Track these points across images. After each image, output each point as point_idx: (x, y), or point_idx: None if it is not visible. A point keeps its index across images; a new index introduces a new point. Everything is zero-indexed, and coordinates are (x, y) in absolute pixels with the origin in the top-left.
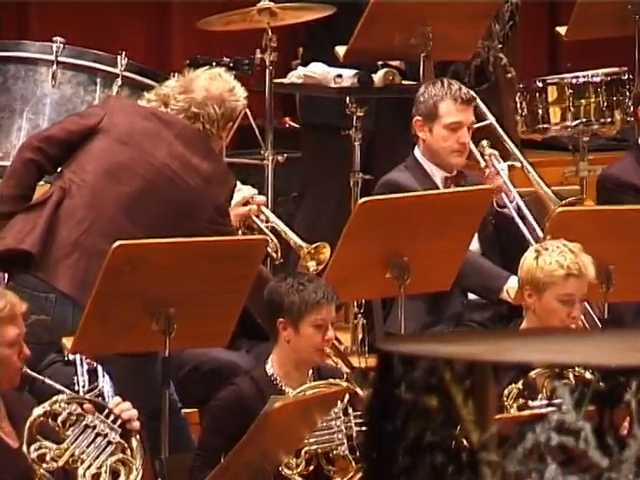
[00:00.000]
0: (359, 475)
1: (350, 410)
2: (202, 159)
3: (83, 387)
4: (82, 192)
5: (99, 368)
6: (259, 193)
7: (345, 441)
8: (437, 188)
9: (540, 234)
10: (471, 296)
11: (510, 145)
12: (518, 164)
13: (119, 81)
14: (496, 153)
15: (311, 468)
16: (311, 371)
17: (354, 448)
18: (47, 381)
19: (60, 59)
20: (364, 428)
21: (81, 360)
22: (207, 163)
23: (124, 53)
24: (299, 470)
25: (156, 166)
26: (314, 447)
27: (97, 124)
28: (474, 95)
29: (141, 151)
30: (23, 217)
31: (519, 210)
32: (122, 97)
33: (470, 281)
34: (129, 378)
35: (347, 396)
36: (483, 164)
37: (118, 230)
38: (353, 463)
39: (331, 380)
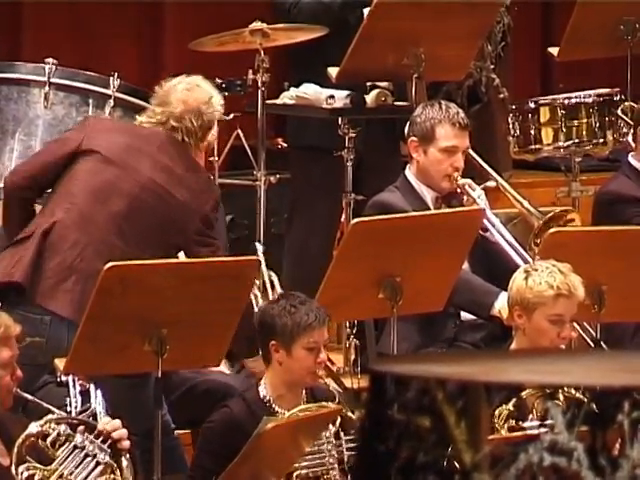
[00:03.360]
0: None
1: (342, 434)
2: (185, 170)
3: (75, 408)
4: (72, 215)
5: (92, 389)
6: (252, 214)
7: (336, 465)
8: (428, 208)
9: (525, 255)
10: (464, 317)
11: (482, 164)
12: (493, 184)
13: (111, 102)
14: (469, 181)
15: None
16: (304, 392)
17: (345, 472)
18: (38, 402)
19: (52, 80)
20: (356, 449)
21: (73, 381)
22: (190, 174)
23: (116, 74)
24: None
25: (142, 182)
26: (305, 471)
27: (77, 148)
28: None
29: (125, 168)
30: (11, 251)
31: (501, 233)
32: (100, 116)
33: (460, 297)
34: (122, 399)
35: (339, 420)
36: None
37: (111, 250)
38: None
39: (323, 403)
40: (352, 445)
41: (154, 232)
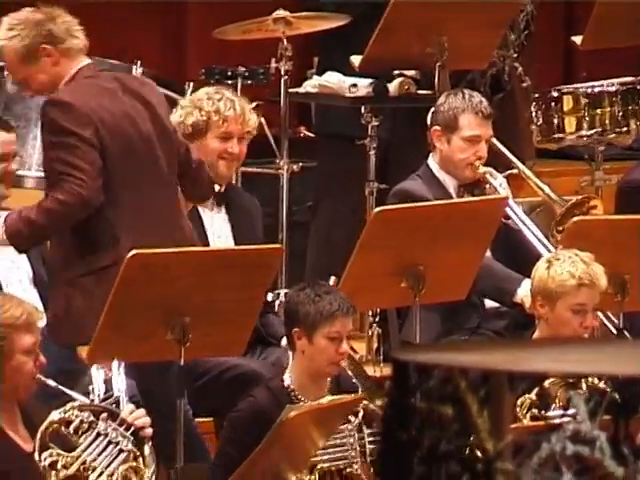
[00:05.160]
0: None
1: (364, 427)
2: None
3: (98, 396)
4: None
5: (115, 376)
6: (275, 203)
7: (359, 458)
8: (450, 197)
9: (547, 243)
10: (488, 304)
11: (504, 152)
12: (515, 171)
13: None
14: (491, 170)
15: None
16: (329, 380)
17: (368, 465)
18: (61, 388)
19: None
20: (379, 437)
21: (97, 369)
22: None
23: (139, 62)
24: None
25: (153, 141)
26: (328, 464)
27: (102, 152)
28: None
29: (139, 148)
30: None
31: (523, 221)
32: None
33: (483, 284)
34: (144, 385)
35: (362, 413)
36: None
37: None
38: None
39: (346, 396)
40: (375, 438)
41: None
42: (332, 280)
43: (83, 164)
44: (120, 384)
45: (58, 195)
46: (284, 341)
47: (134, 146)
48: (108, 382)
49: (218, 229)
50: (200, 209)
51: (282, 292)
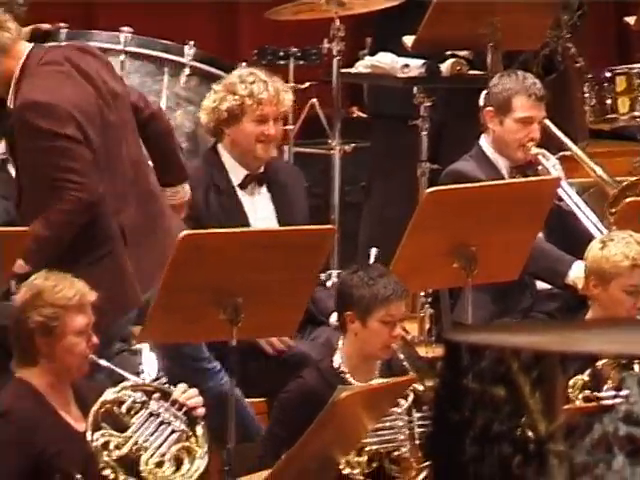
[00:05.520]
0: (422, 475)
1: (413, 410)
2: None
3: (149, 375)
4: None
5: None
6: (327, 183)
7: (408, 441)
8: (502, 178)
9: (600, 225)
10: (539, 286)
11: (557, 133)
12: (568, 153)
13: (187, 70)
14: (543, 151)
15: (374, 466)
16: (379, 363)
17: (417, 448)
18: (114, 368)
19: (128, 49)
20: (431, 418)
21: (148, 349)
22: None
23: (192, 43)
24: (361, 469)
25: (117, 120)
26: (377, 446)
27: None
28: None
29: (108, 130)
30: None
31: (576, 202)
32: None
33: (535, 265)
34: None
35: (411, 396)
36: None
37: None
38: (416, 464)
39: (398, 379)
40: (424, 422)
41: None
42: (373, 252)
43: (76, 165)
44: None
45: (60, 206)
46: (333, 317)
47: (104, 130)
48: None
49: (261, 211)
50: (240, 193)
51: (334, 273)
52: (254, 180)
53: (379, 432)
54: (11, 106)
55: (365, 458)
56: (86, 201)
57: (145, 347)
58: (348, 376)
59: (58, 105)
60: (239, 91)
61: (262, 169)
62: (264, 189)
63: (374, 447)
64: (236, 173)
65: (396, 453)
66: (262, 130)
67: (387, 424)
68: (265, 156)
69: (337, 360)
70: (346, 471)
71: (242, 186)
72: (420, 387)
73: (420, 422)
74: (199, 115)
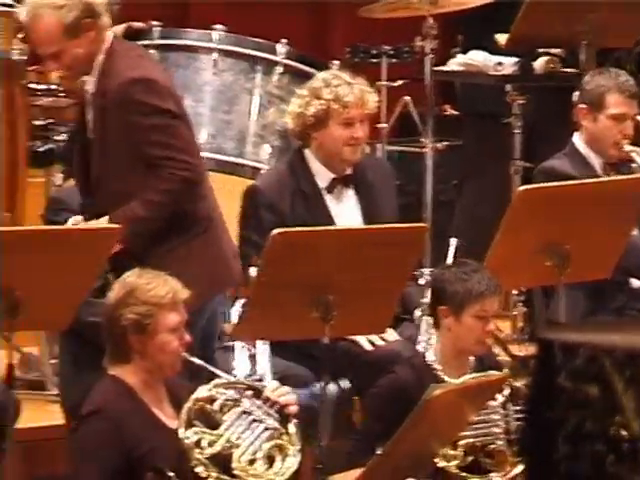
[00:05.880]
0: (517, 470)
1: (509, 404)
2: None
3: (242, 373)
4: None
5: (258, 354)
6: (420, 181)
7: (503, 435)
8: (596, 175)
9: None
10: (634, 284)
11: None
12: None
13: (279, 69)
14: (638, 149)
15: (469, 460)
16: (473, 359)
17: (512, 442)
18: (206, 366)
19: (220, 47)
20: (524, 416)
21: (241, 346)
22: None
23: (285, 41)
24: (456, 462)
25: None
26: (472, 440)
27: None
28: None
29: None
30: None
31: None
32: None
33: (629, 262)
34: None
35: (507, 389)
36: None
37: None
38: (511, 457)
39: (490, 372)
40: (519, 415)
41: None
42: (453, 242)
43: (181, 143)
44: (263, 361)
45: (161, 185)
46: (417, 313)
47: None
48: (251, 359)
49: (348, 214)
50: (326, 197)
51: (426, 271)
52: (341, 183)
53: (474, 425)
54: (91, 90)
55: (460, 451)
56: (189, 180)
57: (237, 344)
58: (440, 372)
59: (158, 81)
60: (324, 95)
61: (349, 170)
62: (351, 191)
63: (469, 440)
64: (322, 177)
65: (491, 446)
66: (350, 133)
67: (482, 417)
68: (353, 159)
69: (430, 356)
70: (441, 464)
71: (329, 190)
72: (516, 382)
73: (515, 415)
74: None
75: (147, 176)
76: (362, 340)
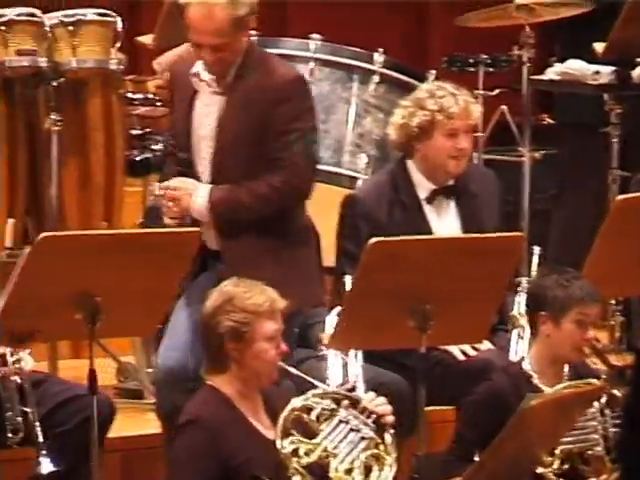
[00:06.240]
0: (614, 476)
1: (607, 411)
2: None
3: (337, 382)
4: None
5: (352, 363)
6: (517, 190)
7: (601, 442)
8: None
9: None
10: None
11: None
12: None
13: (376, 78)
14: None
15: (565, 467)
16: (567, 368)
17: (610, 449)
18: (302, 376)
19: (317, 56)
20: (622, 426)
21: (335, 356)
22: None
23: (381, 50)
24: (553, 468)
25: None
26: (569, 446)
27: None
28: None
29: None
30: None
31: None
32: None
33: None
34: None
35: (604, 396)
36: None
37: None
38: (608, 464)
39: (587, 380)
40: (617, 422)
41: None
42: (537, 250)
43: (307, 151)
44: (357, 371)
45: (274, 183)
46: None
47: None
48: (344, 368)
49: (447, 225)
50: (426, 208)
51: (524, 280)
52: (441, 194)
53: (572, 432)
54: (217, 89)
55: (558, 458)
56: (302, 192)
57: (331, 353)
58: (536, 380)
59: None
60: (429, 106)
61: (451, 181)
62: (452, 202)
63: (567, 447)
64: (423, 188)
65: (589, 453)
66: (454, 145)
67: (580, 424)
68: (457, 171)
69: (526, 364)
70: (539, 470)
71: (428, 200)
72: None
73: (613, 422)
74: (388, 122)
75: (264, 170)
76: (455, 350)
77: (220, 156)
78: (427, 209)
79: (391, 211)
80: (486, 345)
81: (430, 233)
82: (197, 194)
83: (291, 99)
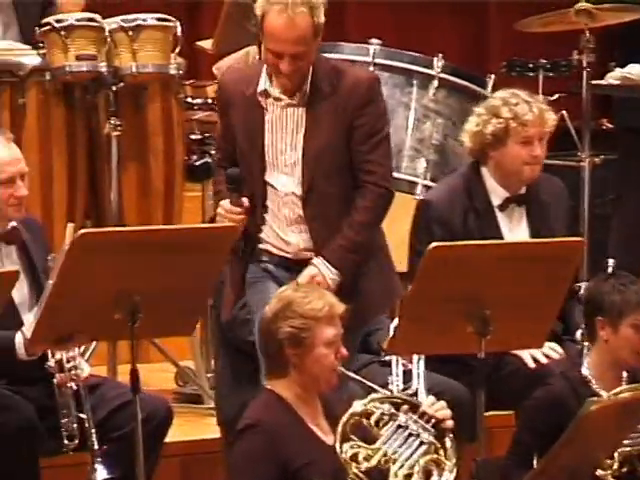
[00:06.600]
0: None
1: None
2: None
3: (397, 387)
4: None
5: (414, 368)
6: (576, 195)
7: None
8: None
9: None
10: None
11: None
12: None
13: (435, 83)
14: None
15: (624, 470)
16: (625, 374)
17: None
18: (362, 380)
19: (377, 61)
20: None
21: (397, 361)
22: None
23: (440, 55)
24: (613, 470)
25: None
26: (628, 449)
27: None
28: None
29: None
30: None
31: None
32: None
33: None
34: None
35: None
36: None
37: None
38: None
39: None
40: None
41: None
42: (611, 262)
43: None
44: (419, 376)
45: (365, 203)
46: (578, 334)
47: None
48: (407, 373)
49: (518, 233)
50: (498, 215)
51: (583, 285)
52: (514, 202)
53: (630, 434)
54: (293, 100)
55: (617, 460)
56: (389, 193)
57: (394, 358)
58: (595, 385)
59: None
60: (503, 114)
61: (523, 190)
62: (523, 210)
63: (626, 449)
64: (497, 195)
65: None
66: (528, 152)
67: (638, 426)
68: (531, 178)
69: (585, 369)
70: (598, 473)
71: (501, 208)
72: None
73: None
74: (448, 127)
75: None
76: (526, 356)
77: (310, 167)
78: (500, 216)
79: (465, 217)
80: (557, 352)
81: (502, 240)
82: (327, 273)
83: (374, 100)
